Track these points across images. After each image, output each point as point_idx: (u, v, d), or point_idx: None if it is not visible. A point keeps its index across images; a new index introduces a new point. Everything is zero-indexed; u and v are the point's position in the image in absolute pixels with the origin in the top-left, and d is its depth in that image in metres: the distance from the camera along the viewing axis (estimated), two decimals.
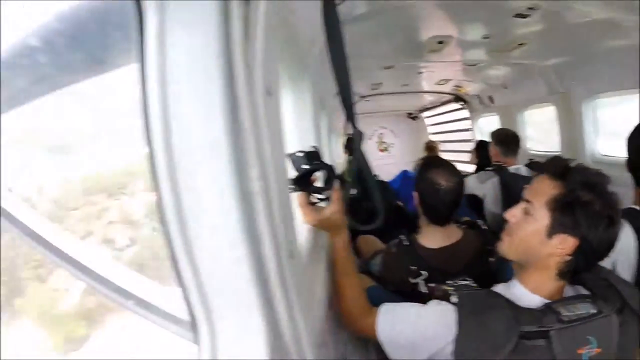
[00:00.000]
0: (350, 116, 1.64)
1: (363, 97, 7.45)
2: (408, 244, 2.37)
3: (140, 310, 1.61)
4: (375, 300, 1.90)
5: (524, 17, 2.91)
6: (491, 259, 2.27)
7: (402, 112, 10.66)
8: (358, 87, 6.19)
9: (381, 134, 10.80)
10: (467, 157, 5.71)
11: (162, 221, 1.33)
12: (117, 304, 1.61)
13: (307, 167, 1.65)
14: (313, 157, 1.70)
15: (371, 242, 3.27)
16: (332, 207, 1.86)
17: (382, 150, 10.74)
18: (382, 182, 4.87)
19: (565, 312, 1.33)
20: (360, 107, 7.32)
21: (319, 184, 1.90)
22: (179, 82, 1.05)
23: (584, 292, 1.50)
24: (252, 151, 1.12)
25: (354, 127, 1.70)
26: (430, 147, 7.63)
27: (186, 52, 1.04)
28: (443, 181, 2.19)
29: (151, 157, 1.16)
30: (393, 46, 3.83)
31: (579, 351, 1.33)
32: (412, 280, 2.23)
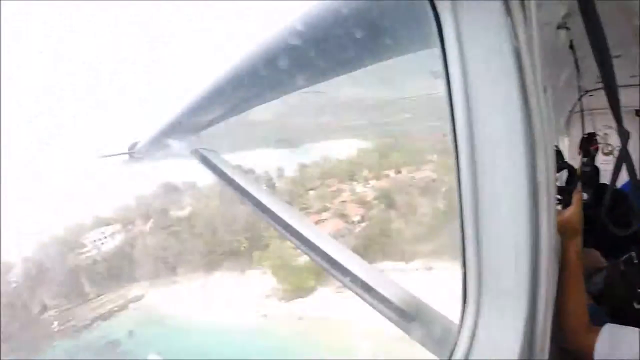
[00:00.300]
0: (617, 112, 1.58)
1: (587, 91, 7.12)
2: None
3: (356, 288, 2.20)
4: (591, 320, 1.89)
5: None
6: None
7: (629, 108, 9.00)
8: (582, 80, 5.72)
9: (606, 134, 9.12)
10: None
11: (460, 202, 1.88)
12: (334, 278, 2.30)
13: None
14: (555, 156, 1.62)
15: (592, 257, 3.00)
16: (573, 209, 1.86)
17: (606, 154, 9.33)
18: (617, 190, 4.19)
19: None
20: (585, 103, 7.29)
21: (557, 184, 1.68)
22: (479, 76, 1.33)
23: None
24: (541, 143, 1.41)
25: (620, 124, 1.64)
26: None
27: (482, 48, 1.29)
28: None
29: (455, 143, 1.68)
30: (621, 33, 3.48)
31: None
32: (637, 306, 2.04)
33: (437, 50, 1.53)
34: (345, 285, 2.21)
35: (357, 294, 2.12)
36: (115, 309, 64.22)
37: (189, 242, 61.52)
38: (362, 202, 58.76)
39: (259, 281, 57.72)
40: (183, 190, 69.39)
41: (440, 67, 1.63)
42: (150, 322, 58.27)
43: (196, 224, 61.80)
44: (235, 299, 56.59)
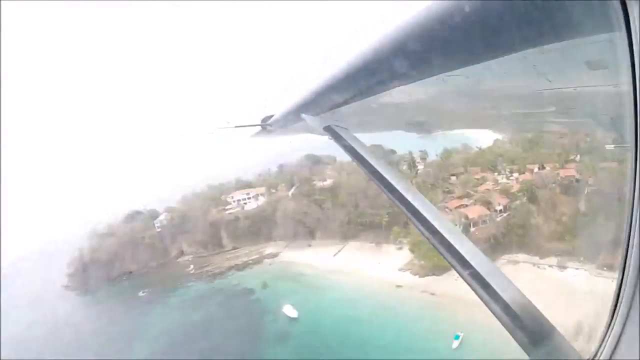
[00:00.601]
0: None
1: None
2: None
3: (472, 281, 2.01)
4: None
5: None
6: None
7: None
8: None
9: None
10: None
11: (631, 204, 1.71)
12: (453, 269, 2.11)
13: None
14: None
15: None
16: None
17: None
18: None
19: None
20: None
21: None
22: None
23: None
24: None
25: None
26: None
27: None
28: None
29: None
30: None
31: None
32: None
33: (606, 36, 1.47)
34: (462, 277, 2.18)
35: (472, 288, 2.12)
36: (250, 262, 67.36)
37: (329, 211, 63.24)
38: (506, 193, 58.00)
39: (394, 255, 58.62)
40: (325, 164, 71.97)
41: (598, 57, 1.60)
42: (284, 277, 60.37)
43: (339, 195, 63.65)
44: (370, 268, 57.88)
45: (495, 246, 53.45)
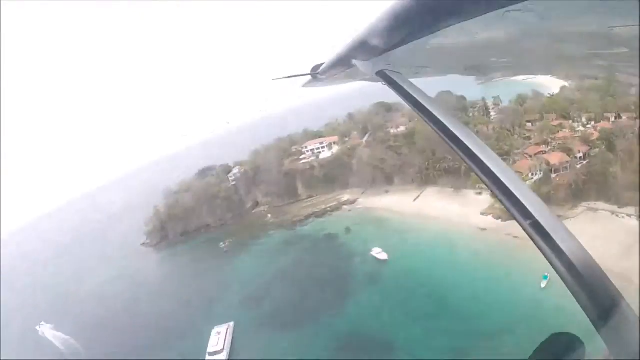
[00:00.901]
0: None
1: None
2: None
3: (533, 232, 1.99)
4: None
5: None
6: None
7: None
8: None
9: None
10: None
11: None
12: (513, 218, 2.08)
13: None
14: None
15: None
16: None
17: None
18: None
19: None
20: None
21: None
22: None
23: None
24: None
25: None
26: None
27: None
28: None
29: None
30: None
31: None
32: None
33: None
34: (523, 228, 2.14)
35: (533, 239, 2.08)
36: (329, 209, 69.15)
37: (406, 157, 64.27)
38: (585, 141, 58.38)
39: (474, 200, 60.18)
40: (396, 110, 72.65)
41: None
42: (366, 222, 61.46)
43: (415, 142, 64.47)
44: (451, 212, 59.62)
45: (575, 193, 54.20)
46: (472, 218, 57.84)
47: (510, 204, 2.20)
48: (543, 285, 46.16)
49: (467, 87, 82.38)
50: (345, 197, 71.64)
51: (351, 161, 72.24)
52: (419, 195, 63.97)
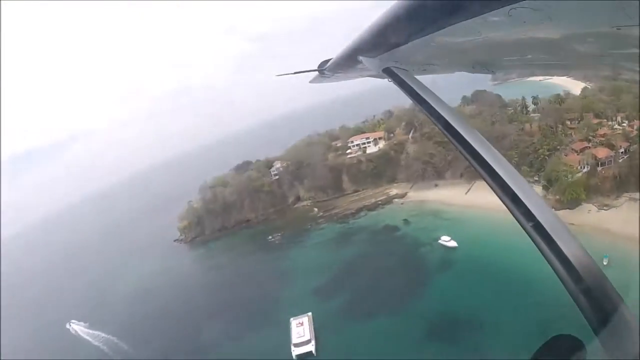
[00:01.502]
0: None
1: None
2: None
3: (535, 234, 2.05)
4: None
5: None
6: None
7: None
8: None
9: None
10: None
11: None
12: (515, 219, 2.16)
13: None
14: None
15: None
16: None
17: None
18: None
19: None
20: None
21: None
22: None
23: None
24: None
25: None
26: None
27: None
28: None
29: None
30: None
31: None
32: None
33: None
34: (525, 230, 2.12)
35: (534, 240, 2.08)
36: (379, 202, 71.50)
37: (453, 152, 66.67)
38: (626, 137, 63.38)
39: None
40: None
41: None
42: (422, 214, 64.51)
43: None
44: (501, 204, 62.16)
45: (619, 184, 59.08)
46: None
47: (513, 205, 2.21)
48: (605, 262, 48.94)
49: (484, 87, 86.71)
50: (394, 191, 74.21)
51: (398, 156, 74.96)
52: (469, 188, 66.62)
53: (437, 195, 69.63)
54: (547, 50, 3.11)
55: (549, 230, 1.99)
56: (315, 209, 78.47)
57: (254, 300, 58.97)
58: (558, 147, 64.66)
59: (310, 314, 52.12)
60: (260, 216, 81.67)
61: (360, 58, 3.89)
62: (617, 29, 1.74)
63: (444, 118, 2.77)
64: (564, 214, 58.13)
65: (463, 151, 2.54)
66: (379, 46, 3.38)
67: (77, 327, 69.35)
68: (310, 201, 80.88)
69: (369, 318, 49.46)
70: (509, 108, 76.04)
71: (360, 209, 73.90)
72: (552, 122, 68.27)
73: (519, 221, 2.12)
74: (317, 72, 6.37)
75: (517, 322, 43.32)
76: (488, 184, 2.29)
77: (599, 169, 61.21)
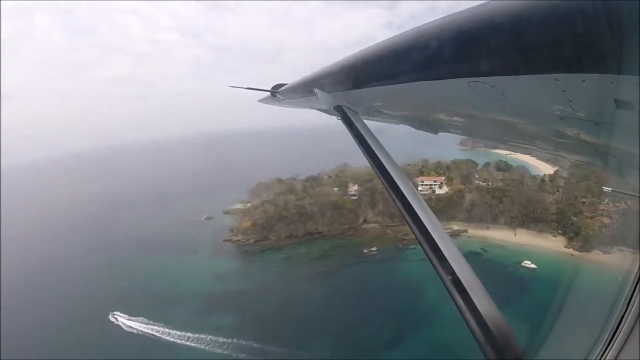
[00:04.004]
0: None
1: None
2: None
3: (452, 287, 2.17)
4: None
5: None
6: None
7: None
8: None
9: None
10: None
11: None
12: (436, 272, 2.28)
13: None
14: None
15: None
16: None
17: None
18: None
19: None
20: None
21: None
22: None
23: None
24: None
25: None
26: None
27: None
28: None
29: None
30: None
31: None
32: None
33: None
34: (443, 282, 2.21)
35: (450, 292, 2.17)
36: (449, 234, 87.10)
37: (504, 205, 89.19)
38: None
39: (553, 239, 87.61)
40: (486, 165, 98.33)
41: (629, 97, 1.67)
42: (490, 246, 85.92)
43: (511, 195, 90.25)
44: (544, 244, 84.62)
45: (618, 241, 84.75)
46: (561, 248, 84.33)
47: (435, 258, 2.29)
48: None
49: (452, 150, 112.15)
50: (455, 227, 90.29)
51: (458, 199, 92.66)
52: (515, 233, 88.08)
53: (492, 234, 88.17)
54: (499, 126, 3.87)
55: (465, 285, 2.16)
56: (388, 231, 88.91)
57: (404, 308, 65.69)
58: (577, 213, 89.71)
59: None
60: (332, 230, 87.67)
61: (316, 91, 4.11)
62: (560, 118, 2.25)
63: (382, 164, 2.99)
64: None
65: (395, 198, 2.73)
66: (336, 85, 3.66)
67: (120, 318, 67.36)
68: (377, 224, 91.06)
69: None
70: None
71: None
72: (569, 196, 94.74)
73: (438, 273, 2.28)
74: (269, 93, 6.74)
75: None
76: (415, 235, 2.50)
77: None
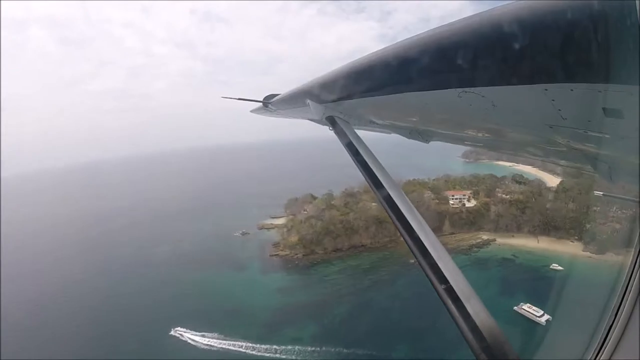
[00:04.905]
0: None
1: None
2: None
3: (445, 296, 2.22)
4: None
5: None
6: None
7: None
8: None
9: None
10: None
11: None
12: (428, 280, 2.34)
13: None
14: None
15: None
16: None
17: None
18: None
19: None
20: None
21: None
22: None
23: None
24: None
25: None
26: None
27: None
28: None
29: None
30: None
31: None
32: None
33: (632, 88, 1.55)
34: (436, 290, 2.23)
35: (444, 301, 2.19)
36: (480, 243, 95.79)
37: (527, 215, 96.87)
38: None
39: (572, 244, 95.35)
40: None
41: (617, 106, 1.73)
42: (521, 252, 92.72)
43: (532, 205, 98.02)
44: (566, 249, 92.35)
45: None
46: (579, 252, 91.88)
47: (428, 267, 2.32)
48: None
49: (455, 163, 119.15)
50: (484, 236, 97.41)
51: (487, 212, 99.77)
52: (538, 239, 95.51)
53: (518, 242, 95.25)
54: (490, 134, 3.86)
55: (458, 294, 2.19)
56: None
57: None
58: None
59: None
60: (376, 243, 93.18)
61: (308, 101, 4.14)
62: (550, 126, 2.25)
63: (374, 174, 3.05)
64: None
65: (387, 208, 2.78)
66: (328, 95, 3.64)
67: (184, 333, 69.12)
68: None
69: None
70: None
71: (471, 247, 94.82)
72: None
73: (431, 282, 2.30)
74: (261, 104, 6.90)
75: None
76: (407, 244, 2.51)
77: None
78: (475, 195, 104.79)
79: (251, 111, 8.22)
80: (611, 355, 2.22)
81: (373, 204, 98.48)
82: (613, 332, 2.27)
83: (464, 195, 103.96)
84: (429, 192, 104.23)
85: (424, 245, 2.42)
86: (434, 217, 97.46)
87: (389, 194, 2.82)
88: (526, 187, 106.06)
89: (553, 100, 1.86)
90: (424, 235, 2.48)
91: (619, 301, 2.28)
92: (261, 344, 64.43)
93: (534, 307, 71.11)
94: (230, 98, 8.01)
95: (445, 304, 2.19)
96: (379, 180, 2.94)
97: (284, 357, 62.13)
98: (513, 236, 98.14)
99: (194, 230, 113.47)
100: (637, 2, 1.24)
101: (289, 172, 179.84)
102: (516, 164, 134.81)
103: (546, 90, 1.79)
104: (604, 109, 1.79)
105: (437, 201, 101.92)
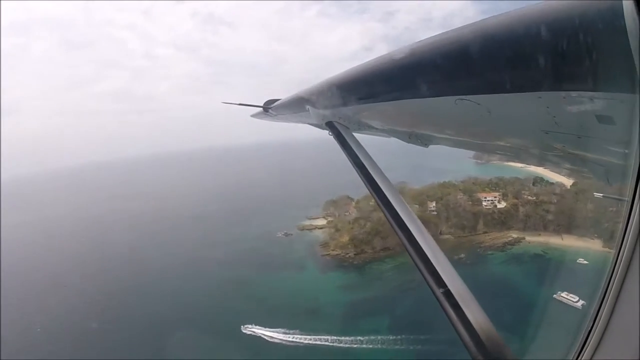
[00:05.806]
0: None
1: None
2: None
3: (444, 300, 2.31)
4: None
5: None
6: None
7: None
8: None
9: None
10: None
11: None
12: (427, 285, 2.50)
13: None
14: None
15: None
16: None
17: None
18: None
19: None
20: None
21: None
22: None
23: None
24: None
25: None
26: None
27: None
28: None
29: None
30: None
31: None
32: None
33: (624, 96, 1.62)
34: (434, 294, 2.31)
35: (442, 306, 2.27)
36: (512, 241, 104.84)
37: (551, 214, 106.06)
38: None
39: (591, 241, 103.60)
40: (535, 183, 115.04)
41: (609, 113, 1.82)
42: (549, 248, 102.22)
43: (554, 205, 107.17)
44: (585, 245, 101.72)
45: None
46: (600, 248, 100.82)
47: (427, 271, 2.39)
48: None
49: (468, 164, 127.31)
50: (513, 235, 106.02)
51: (516, 212, 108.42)
52: (562, 237, 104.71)
53: (544, 240, 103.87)
54: (487, 140, 3.96)
55: (456, 298, 2.25)
56: (463, 241, 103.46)
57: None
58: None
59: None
60: None
61: (308, 107, 4.27)
62: (545, 132, 2.27)
63: (373, 179, 3.11)
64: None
65: (386, 211, 2.85)
66: (327, 102, 3.73)
67: (256, 330, 73.27)
68: (451, 235, 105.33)
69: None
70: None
71: (506, 244, 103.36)
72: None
73: (430, 286, 2.38)
74: (261, 109, 6.98)
75: None
76: (406, 249, 2.61)
77: None
78: (505, 197, 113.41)
79: (252, 116, 8.23)
80: (592, 355, 2.25)
81: (415, 205, 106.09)
82: (594, 331, 2.29)
83: (495, 197, 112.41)
84: (462, 194, 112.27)
85: (422, 249, 2.58)
86: (469, 218, 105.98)
87: (388, 199, 2.95)
88: (548, 188, 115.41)
89: (547, 107, 2.00)
90: (423, 239, 2.65)
91: (600, 301, 2.31)
92: (345, 336, 69.08)
93: (571, 294, 75.68)
94: (231, 103, 8.25)
95: (443, 307, 2.30)
96: (378, 185, 3.07)
97: (370, 346, 67.25)
98: (540, 234, 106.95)
99: (238, 232, 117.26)
100: (626, 13, 1.33)
101: (304, 174, 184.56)
102: (527, 166, 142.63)
103: (540, 97, 1.91)
104: (596, 115, 1.92)
105: (471, 203, 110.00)
